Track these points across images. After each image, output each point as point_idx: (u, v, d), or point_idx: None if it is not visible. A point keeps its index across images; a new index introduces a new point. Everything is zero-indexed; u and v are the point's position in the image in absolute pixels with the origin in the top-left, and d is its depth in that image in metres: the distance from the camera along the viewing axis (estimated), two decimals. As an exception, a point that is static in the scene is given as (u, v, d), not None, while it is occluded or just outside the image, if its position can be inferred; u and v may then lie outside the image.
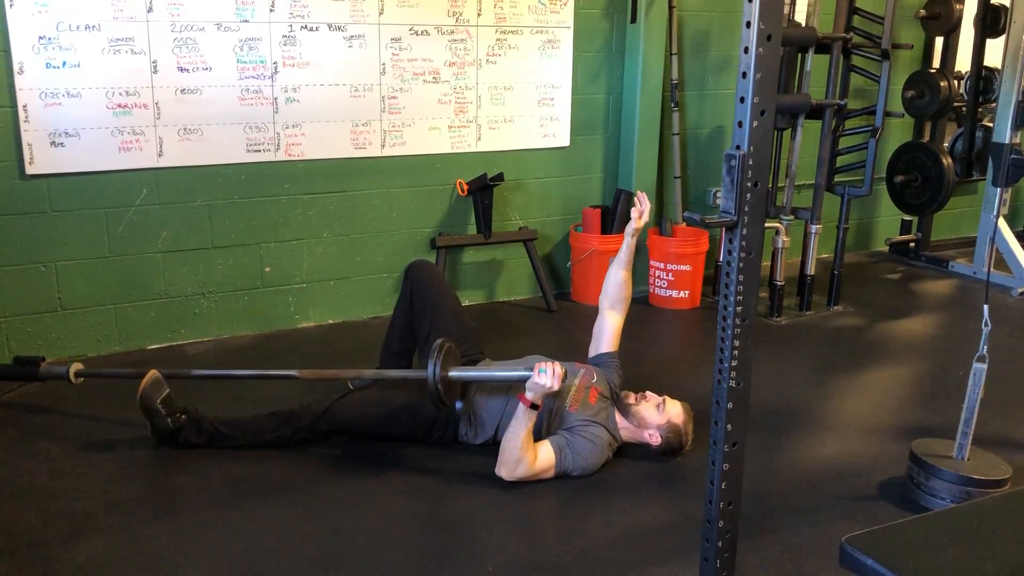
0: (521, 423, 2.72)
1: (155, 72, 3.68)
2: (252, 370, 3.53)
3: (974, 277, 5.27)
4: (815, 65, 4.33)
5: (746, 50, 1.66)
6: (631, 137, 4.74)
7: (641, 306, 4.66)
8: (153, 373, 2.99)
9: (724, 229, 1.77)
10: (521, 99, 4.50)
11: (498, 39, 4.36)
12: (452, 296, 3.43)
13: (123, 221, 3.78)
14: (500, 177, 4.35)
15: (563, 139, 4.68)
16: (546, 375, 2.67)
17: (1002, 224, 5.03)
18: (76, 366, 3.22)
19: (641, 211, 3.13)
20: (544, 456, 2.79)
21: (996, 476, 2.66)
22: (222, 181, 3.93)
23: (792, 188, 4.46)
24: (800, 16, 4.49)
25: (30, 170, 3.56)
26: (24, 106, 3.48)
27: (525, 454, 2.73)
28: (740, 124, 1.70)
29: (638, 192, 3.22)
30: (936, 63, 5.44)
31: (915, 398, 3.66)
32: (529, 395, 2.71)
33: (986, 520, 1.62)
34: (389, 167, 4.27)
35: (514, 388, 2.94)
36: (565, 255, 4.81)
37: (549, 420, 2.90)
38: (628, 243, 3.17)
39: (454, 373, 2.84)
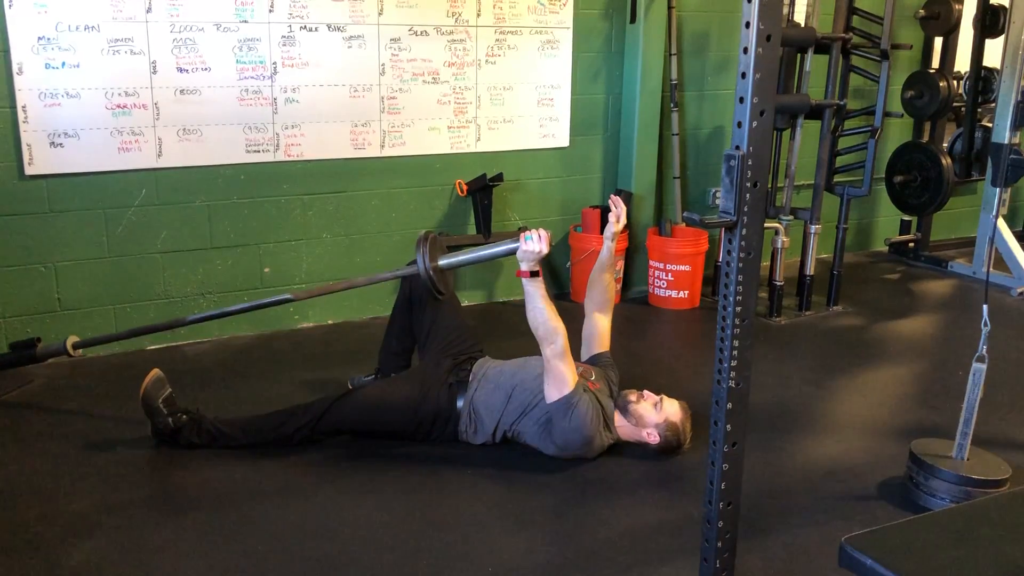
0: (534, 296, 2.78)
1: (154, 72, 3.68)
2: (245, 303, 3.46)
3: (973, 277, 5.27)
4: (814, 65, 4.33)
5: (745, 50, 1.66)
6: (630, 137, 4.74)
7: (641, 306, 4.66)
8: (155, 372, 2.99)
9: (723, 229, 1.77)
10: (520, 99, 4.50)
11: (497, 39, 4.37)
12: (451, 296, 3.43)
13: (122, 221, 3.78)
14: (499, 177, 4.35)
15: (562, 139, 4.68)
16: (533, 240, 2.74)
17: (1001, 224, 5.03)
18: (72, 338, 3.22)
19: (618, 214, 3.16)
20: (572, 363, 2.84)
21: (996, 476, 2.66)
22: (221, 181, 3.93)
23: (791, 188, 4.46)
24: (799, 16, 4.49)
25: (29, 170, 3.56)
26: (23, 106, 3.48)
27: (558, 323, 2.78)
28: (739, 124, 1.70)
29: (612, 196, 3.25)
30: (935, 63, 5.44)
31: (915, 398, 3.66)
32: (524, 265, 2.77)
33: (986, 520, 1.62)
34: (388, 167, 4.27)
35: (516, 388, 2.95)
36: (565, 255, 4.81)
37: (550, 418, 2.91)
38: (608, 246, 3.21)
39: (443, 261, 2.88)
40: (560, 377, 2.82)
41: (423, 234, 2.90)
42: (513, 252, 2.79)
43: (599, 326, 3.24)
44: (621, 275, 4.60)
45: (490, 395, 2.98)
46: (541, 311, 2.77)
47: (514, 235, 4.50)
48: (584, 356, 3.25)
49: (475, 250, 3.04)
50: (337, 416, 2.97)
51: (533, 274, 2.77)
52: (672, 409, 2.95)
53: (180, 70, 3.72)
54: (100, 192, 3.71)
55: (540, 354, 3.12)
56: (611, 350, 3.27)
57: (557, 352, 2.80)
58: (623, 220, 3.18)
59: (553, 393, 2.84)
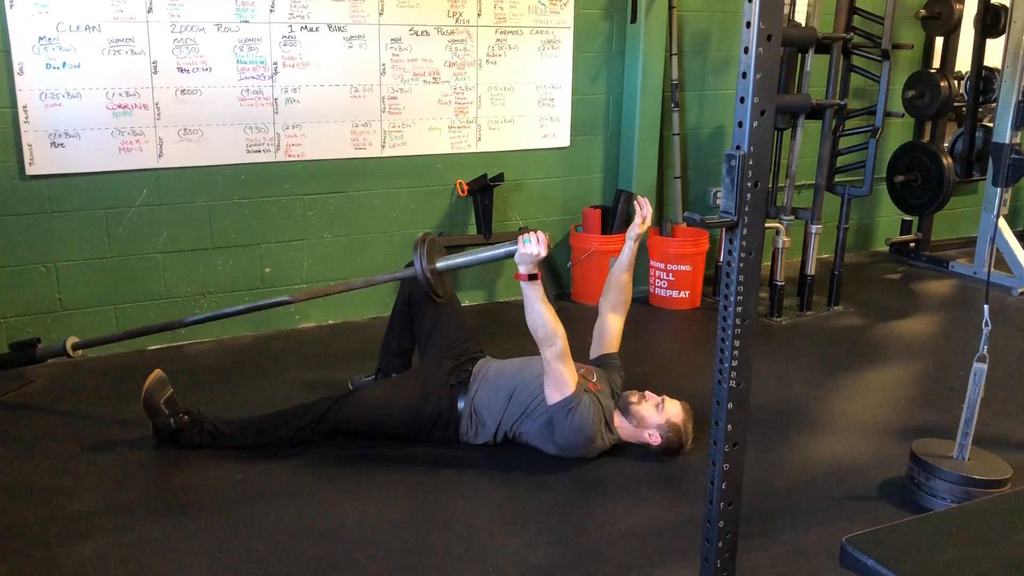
0: (533, 299, 2.77)
1: (155, 73, 3.68)
2: (245, 304, 3.45)
3: (974, 277, 5.27)
4: (815, 65, 4.33)
5: (746, 50, 1.66)
6: (631, 137, 4.74)
7: (641, 306, 4.65)
8: (157, 372, 2.99)
9: (724, 229, 1.77)
10: (521, 99, 4.50)
11: (498, 39, 4.37)
12: (452, 296, 3.43)
13: (123, 221, 3.78)
14: (500, 177, 4.35)
15: (563, 139, 4.68)
16: (531, 243, 2.72)
17: (1002, 224, 5.03)
18: (72, 339, 3.22)
19: (644, 216, 3.14)
20: (572, 366, 2.83)
21: (996, 476, 2.66)
22: (222, 182, 3.93)
23: (792, 188, 4.46)
24: (800, 16, 4.49)
25: (30, 170, 3.56)
26: (24, 107, 3.49)
27: (557, 326, 2.77)
28: (740, 124, 1.70)
29: (639, 197, 3.23)
30: (936, 63, 5.44)
31: (915, 398, 3.66)
32: (522, 268, 2.76)
33: (986, 520, 1.62)
34: (389, 167, 4.27)
35: (518, 388, 2.95)
36: (565, 255, 4.81)
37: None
38: (630, 247, 3.19)
39: (441, 264, 2.87)
40: (560, 379, 2.82)
41: (421, 236, 2.90)
42: (511, 255, 2.78)
43: (611, 326, 3.23)
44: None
45: (491, 396, 2.98)
46: (540, 314, 2.76)
47: (514, 236, 4.53)
48: (593, 355, 3.25)
49: (473, 252, 3.03)
50: (338, 417, 2.96)
51: (531, 277, 2.76)
52: (674, 410, 2.95)
53: (181, 70, 3.73)
54: (101, 192, 3.71)
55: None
56: (612, 350, 3.27)
57: (556, 354, 2.79)
58: (648, 222, 3.17)
59: (554, 395, 2.84)
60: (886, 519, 2.61)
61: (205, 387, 3.47)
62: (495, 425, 2.96)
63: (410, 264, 3.06)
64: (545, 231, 2.85)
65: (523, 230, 4.58)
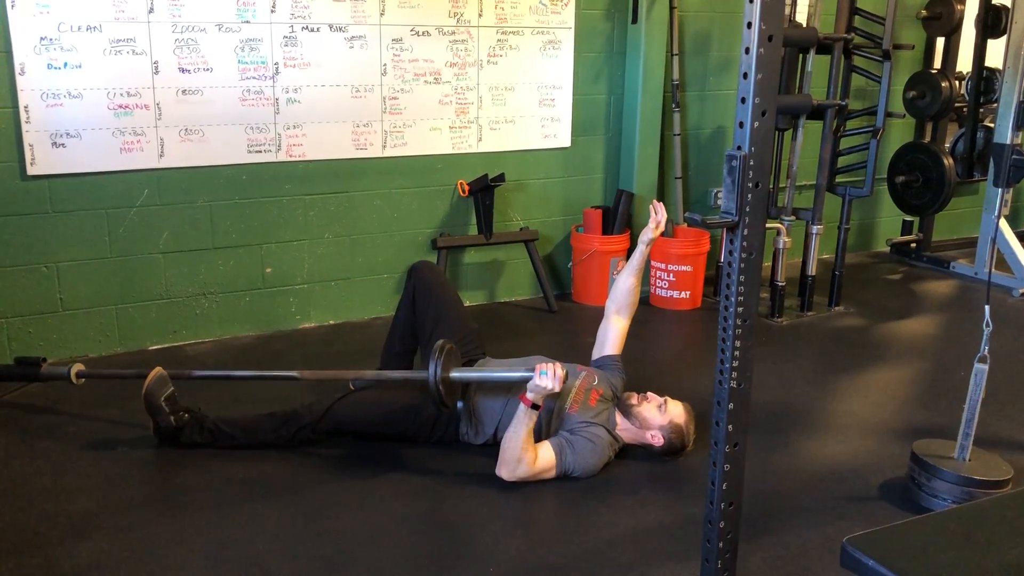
0: (521, 423, 2.72)
1: (156, 73, 3.68)
2: (253, 371, 3.53)
3: (975, 278, 5.27)
4: (816, 66, 4.33)
5: (747, 51, 1.66)
6: (632, 137, 4.74)
7: (642, 306, 4.59)
8: (158, 370, 2.99)
9: (725, 230, 1.77)
10: (522, 100, 4.50)
11: (499, 40, 4.37)
12: (454, 297, 3.44)
13: (124, 222, 3.78)
14: (501, 178, 4.35)
15: (564, 139, 4.68)
16: (547, 377, 2.67)
17: (1003, 225, 5.03)
18: (77, 367, 3.23)
19: (658, 220, 3.14)
20: (544, 456, 2.79)
21: (997, 477, 2.65)
22: (223, 182, 3.93)
23: (793, 189, 4.46)
24: (801, 17, 4.49)
25: (31, 171, 3.56)
26: (25, 107, 3.49)
27: (525, 454, 2.73)
28: (741, 125, 1.70)
29: (655, 201, 3.22)
30: (937, 64, 5.44)
31: (916, 399, 3.66)
32: (530, 396, 2.71)
33: (987, 521, 1.62)
34: (390, 168, 4.27)
35: (515, 388, 2.94)
36: (566, 255, 4.81)
37: (549, 421, 2.90)
38: (641, 251, 3.19)
39: (455, 374, 2.85)
40: (542, 473, 2.79)
41: (440, 343, 2.87)
42: (525, 381, 2.76)
43: (616, 328, 3.23)
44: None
45: (490, 397, 2.97)
46: (519, 438, 2.73)
47: (515, 237, 4.54)
48: (594, 356, 3.24)
49: (488, 370, 3.02)
50: (338, 417, 2.97)
51: (534, 406, 2.73)
52: (676, 411, 2.94)
53: (182, 70, 3.73)
54: (102, 192, 3.71)
55: (540, 353, 3.12)
56: (613, 350, 3.27)
57: (519, 476, 2.76)
58: (662, 227, 3.16)
59: (549, 475, 2.82)
60: (886, 519, 2.61)
61: (206, 386, 3.47)
62: (494, 426, 2.95)
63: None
64: (564, 368, 2.76)
65: (523, 230, 4.60)
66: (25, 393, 3.42)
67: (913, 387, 3.81)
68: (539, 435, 2.86)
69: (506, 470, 2.77)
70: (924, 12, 5.23)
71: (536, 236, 4.60)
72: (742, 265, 1.76)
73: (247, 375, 3.42)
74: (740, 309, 1.78)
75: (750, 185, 1.71)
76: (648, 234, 3.16)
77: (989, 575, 1.45)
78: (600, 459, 2.86)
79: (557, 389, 2.69)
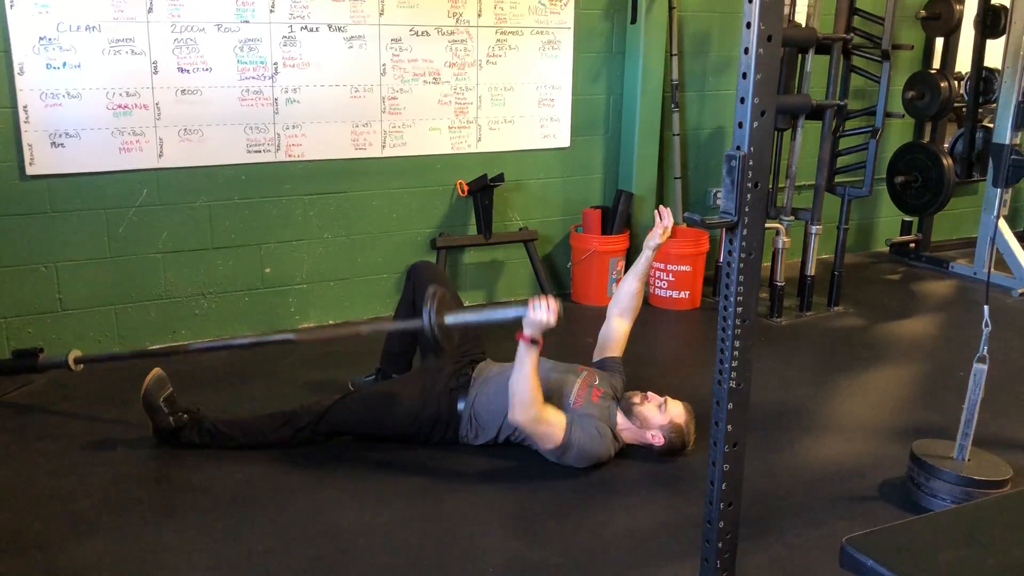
0: (525, 362, 2.72)
1: (155, 73, 3.68)
2: (250, 337, 3.53)
3: (974, 278, 5.27)
4: (815, 66, 4.33)
5: (746, 51, 1.66)
6: (631, 138, 4.74)
7: (641, 306, 4.64)
8: (157, 371, 2.99)
9: (724, 230, 1.77)
10: (521, 100, 4.50)
11: (498, 40, 4.37)
12: (454, 297, 3.43)
13: (123, 222, 3.78)
14: (500, 178, 4.35)
15: (563, 140, 4.68)
16: (542, 309, 2.68)
17: (1002, 225, 5.03)
18: (74, 353, 3.23)
19: (665, 226, 3.15)
20: (555, 413, 2.81)
21: (996, 477, 2.66)
22: (222, 182, 3.93)
23: (792, 189, 4.46)
24: (800, 17, 4.49)
25: (30, 170, 3.56)
26: (24, 107, 3.49)
27: (537, 393, 2.74)
28: (740, 125, 1.70)
29: (661, 206, 3.23)
30: (936, 64, 5.44)
31: (915, 399, 3.66)
32: (528, 331, 2.72)
33: (986, 521, 1.62)
34: (389, 168, 4.27)
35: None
36: (565, 256, 4.81)
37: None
38: (647, 256, 3.19)
39: (449, 319, 2.85)
40: (546, 434, 2.81)
41: (432, 290, 2.87)
42: (520, 317, 2.75)
43: (617, 331, 3.23)
44: (622, 275, 4.60)
45: (491, 399, 2.97)
46: (526, 378, 2.72)
47: (514, 237, 4.55)
48: (595, 357, 3.25)
49: (482, 311, 3.05)
50: (337, 418, 2.97)
51: (533, 341, 2.72)
52: (677, 411, 2.95)
53: (181, 70, 3.72)
54: (101, 192, 3.71)
55: (540, 355, 3.11)
56: (612, 350, 3.27)
57: (531, 418, 2.76)
58: (668, 233, 3.17)
59: (547, 445, 2.84)
60: (886, 519, 2.61)
61: (205, 387, 3.47)
62: (495, 428, 2.95)
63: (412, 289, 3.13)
64: (551, 299, 2.73)
65: (522, 230, 4.60)
66: (25, 393, 3.42)
67: (912, 387, 3.81)
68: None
69: (520, 412, 2.76)
70: (923, 12, 5.24)
71: (535, 236, 4.60)
72: (741, 265, 1.76)
73: (244, 343, 3.53)
74: (739, 309, 1.78)
75: (749, 185, 1.71)
76: (654, 239, 3.16)
77: (989, 575, 1.45)
78: (601, 450, 2.86)
79: (553, 322, 2.69)
